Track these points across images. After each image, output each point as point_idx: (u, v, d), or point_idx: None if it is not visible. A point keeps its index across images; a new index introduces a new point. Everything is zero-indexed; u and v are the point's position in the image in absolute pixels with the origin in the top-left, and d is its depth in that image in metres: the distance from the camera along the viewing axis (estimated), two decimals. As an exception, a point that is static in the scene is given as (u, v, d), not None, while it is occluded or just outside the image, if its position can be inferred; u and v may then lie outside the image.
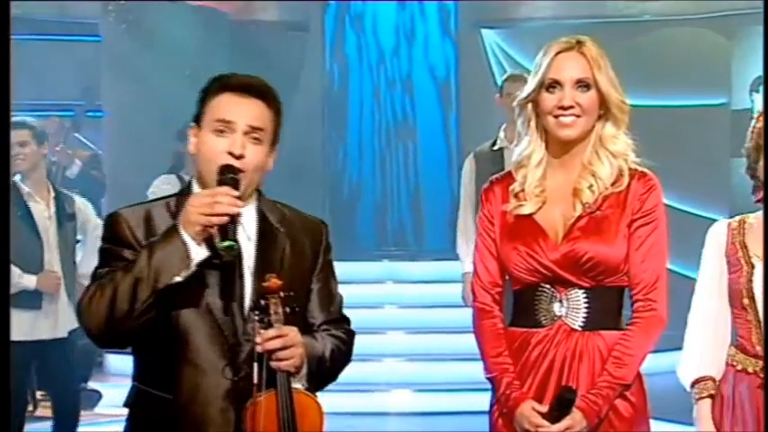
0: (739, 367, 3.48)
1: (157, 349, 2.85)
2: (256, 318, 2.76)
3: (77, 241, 6.16)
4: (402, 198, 11.28)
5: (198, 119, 2.92)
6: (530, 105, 3.25)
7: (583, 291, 3.16)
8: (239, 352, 2.83)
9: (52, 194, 5.97)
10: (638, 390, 3.22)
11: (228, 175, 2.80)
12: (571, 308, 3.17)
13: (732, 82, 9.67)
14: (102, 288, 2.77)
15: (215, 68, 10.42)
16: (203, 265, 2.77)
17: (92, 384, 8.19)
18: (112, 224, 2.89)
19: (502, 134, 6.28)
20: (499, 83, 6.94)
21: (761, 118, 3.50)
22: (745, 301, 3.48)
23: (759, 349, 3.44)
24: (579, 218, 3.17)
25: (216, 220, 2.73)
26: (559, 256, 3.15)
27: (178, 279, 2.74)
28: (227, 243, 2.73)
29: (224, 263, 2.80)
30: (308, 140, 9.96)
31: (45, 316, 5.86)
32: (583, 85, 3.18)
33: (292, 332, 2.78)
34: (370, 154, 11.23)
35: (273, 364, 2.75)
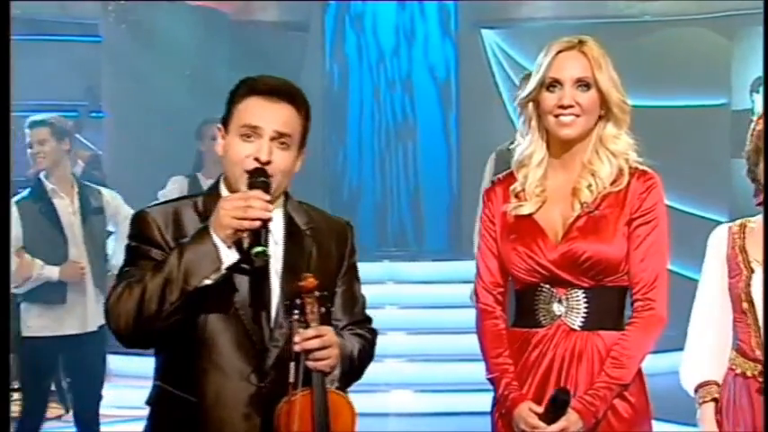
0: (738, 371, 3.48)
1: (183, 350, 2.84)
2: (295, 316, 2.75)
3: (110, 234, 6.15)
4: (402, 198, 11.27)
5: (225, 121, 2.90)
6: (531, 105, 3.25)
7: (582, 291, 3.16)
8: (266, 357, 2.83)
9: (76, 189, 5.97)
10: (639, 390, 3.22)
11: (260, 179, 2.78)
12: (570, 308, 3.17)
13: (732, 82, 9.66)
14: (131, 288, 2.75)
15: (215, 68, 10.46)
16: (232, 268, 2.76)
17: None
18: (140, 223, 2.88)
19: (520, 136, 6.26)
20: (500, 83, 6.92)
21: (761, 120, 3.49)
22: (745, 305, 3.48)
23: (758, 353, 3.45)
24: (578, 218, 3.17)
25: (248, 224, 2.72)
26: (558, 256, 3.15)
27: (208, 282, 2.73)
28: (259, 249, 2.72)
29: (252, 266, 2.78)
30: (307, 141, 9.93)
31: (72, 310, 5.87)
32: (583, 84, 3.17)
33: (329, 332, 2.78)
34: (369, 154, 11.23)
35: (310, 363, 2.75)
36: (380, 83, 11.22)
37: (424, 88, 11.18)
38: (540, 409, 3.12)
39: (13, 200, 5.81)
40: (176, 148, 8.56)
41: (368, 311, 3.10)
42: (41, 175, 5.94)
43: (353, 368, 2.93)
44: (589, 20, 9.52)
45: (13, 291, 5.75)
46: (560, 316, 3.17)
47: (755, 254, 3.47)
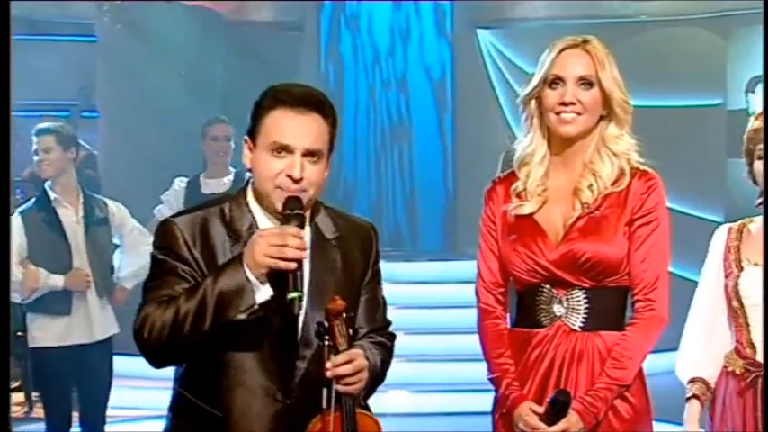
0: (730, 368, 3.51)
1: (207, 364, 2.82)
2: (326, 343, 2.73)
3: (116, 246, 6.15)
4: (397, 199, 11.27)
5: (252, 134, 2.84)
6: (533, 102, 3.24)
7: (583, 291, 3.16)
8: (293, 374, 2.82)
9: (81, 199, 5.96)
10: (640, 391, 3.21)
11: (295, 212, 2.74)
12: (571, 308, 3.17)
13: (728, 82, 9.67)
14: (162, 312, 2.73)
15: (210, 68, 10.45)
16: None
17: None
18: (167, 235, 2.83)
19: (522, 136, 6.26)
20: (495, 83, 6.92)
21: (759, 118, 3.50)
22: (735, 303, 3.50)
23: (749, 351, 3.48)
24: (578, 218, 3.17)
25: (284, 265, 2.68)
26: (557, 256, 3.15)
27: (241, 317, 2.71)
28: (294, 294, 2.69)
29: (283, 306, 2.73)
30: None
31: (78, 320, 5.86)
32: (585, 82, 3.17)
33: (360, 356, 2.77)
34: (365, 155, 11.22)
35: (341, 388, 2.74)
36: (376, 83, 11.21)
37: (419, 88, 11.18)
38: (541, 410, 3.12)
39: (18, 210, 5.85)
40: (171, 147, 8.57)
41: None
42: (46, 185, 5.94)
43: (376, 379, 2.92)
44: (585, 20, 9.51)
45: (20, 302, 5.78)
46: (560, 317, 3.17)
47: (747, 253, 3.50)
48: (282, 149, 2.78)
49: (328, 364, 2.72)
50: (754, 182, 3.50)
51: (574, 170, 3.21)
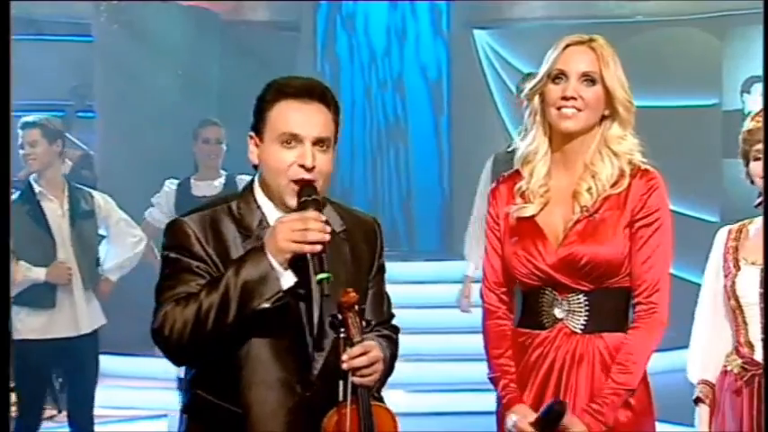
0: (728, 368, 3.52)
1: (224, 361, 2.81)
2: (342, 335, 2.75)
3: (102, 237, 6.13)
4: (394, 199, 11.26)
5: (257, 129, 2.85)
6: (537, 98, 3.24)
7: (583, 294, 3.15)
8: (311, 367, 2.83)
9: (66, 192, 5.94)
10: (642, 391, 3.20)
11: (311, 197, 2.76)
12: (572, 311, 3.16)
13: (723, 83, 9.67)
14: (182, 306, 2.73)
15: (207, 68, 10.43)
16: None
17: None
18: (179, 233, 2.82)
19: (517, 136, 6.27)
20: (492, 84, 6.91)
21: (756, 118, 3.50)
22: (732, 303, 3.51)
23: (746, 351, 3.48)
24: (577, 221, 3.16)
25: (309, 248, 2.70)
26: (557, 260, 3.15)
27: (266, 306, 2.71)
28: (324, 275, 2.69)
29: (309, 292, 2.75)
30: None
31: (61, 313, 5.84)
32: (588, 79, 3.17)
33: (375, 348, 2.79)
34: (361, 155, 11.21)
35: (357, 380, 2.76)
36: (372, 83, 11.20)
37: (415, 89, 11.17)
38: (533, 417, 3.11)
39: None
40: (168, 147, 8.55)
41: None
42: (31, 178, 5.91)
43: (387, 372, 2.94)
44: (581, 20, 9.51)
45: None
46: (561, 319, 3.17)
47: (745, 253, 3.50)
48: (292, 139, 2.79)
49: (344, 357, 2.74)
50: (752, 182, 3.50)
51: (575, 171, 3.21)
